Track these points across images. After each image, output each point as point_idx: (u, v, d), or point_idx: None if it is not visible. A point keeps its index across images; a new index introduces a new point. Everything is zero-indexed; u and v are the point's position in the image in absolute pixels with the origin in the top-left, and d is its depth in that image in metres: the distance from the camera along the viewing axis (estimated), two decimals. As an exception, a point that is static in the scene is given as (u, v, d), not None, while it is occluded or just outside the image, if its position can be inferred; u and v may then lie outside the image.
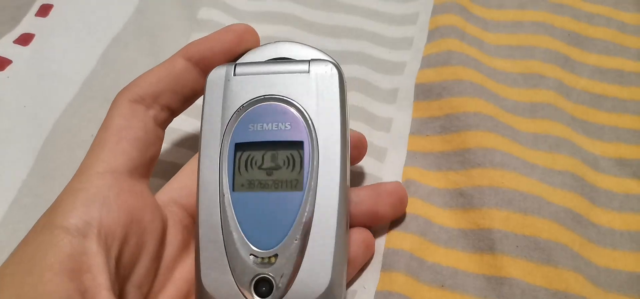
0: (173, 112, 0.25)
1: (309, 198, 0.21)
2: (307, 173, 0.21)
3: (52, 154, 0.30)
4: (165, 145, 0.28)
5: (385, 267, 0.26)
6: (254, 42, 0.25)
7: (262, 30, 0.36)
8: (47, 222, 0.19)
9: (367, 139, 0.27)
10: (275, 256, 0.20)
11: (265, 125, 0.22)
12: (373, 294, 0.25)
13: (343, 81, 0.22)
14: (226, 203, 0.21)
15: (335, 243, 0.20)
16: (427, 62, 0.34)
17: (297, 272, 0.20)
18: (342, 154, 0.21)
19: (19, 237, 0.20)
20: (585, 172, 0.29)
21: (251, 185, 0.21)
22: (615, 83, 0.32)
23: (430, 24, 0.36)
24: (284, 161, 0.21)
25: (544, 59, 0.33)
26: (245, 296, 0.20)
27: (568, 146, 0.29)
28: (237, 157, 0.22)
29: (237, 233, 0.21)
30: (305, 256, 0.20)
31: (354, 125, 0.31)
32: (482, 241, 0.26)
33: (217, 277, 0.20)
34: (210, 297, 0.20)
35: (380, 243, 0.26)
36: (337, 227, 0.20)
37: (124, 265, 0.20)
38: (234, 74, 0.23)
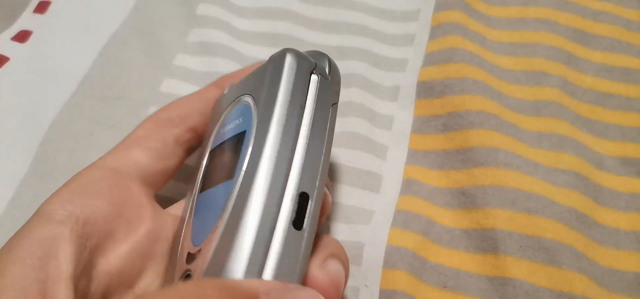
0: (199, 135, 0.25)
1: (239, 188, 0.18)
2: (241, 162, 0.19)
3: (50, 151, 0.30)
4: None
5: (388, 264, 0.25)
6: None
7: (262, 26, 0.36)
8: (36, 211, 0.19)
9: (368, 136, 0.26)
10: (199, 250, 0.19)
11: (228, 126, 0.21)
12: (377, 293, 0.25)
13: (296, 60, 0.20)
14: (191, 203, 0.21)
15: (256, 234, 0.17)
16: (430, 59, 0.33)
17: (222, 272, 0.17)
18: (277, 140, 0.18)
19: None
20: (590, 172, 0.28)
21: (204, 185, 0.21)
22: (620, 81, 0.32)
23: (433, 20, 0.35)
24: (229, 156, 0.20)
25: (548, 56, 0.33)
26: None
27: (572, 144, 0.29)
28: (208, 160, 0.22)
29: (186, 230, 0.21)
30: (232, 254, 0.17)
31: (355, 122, 0.30)
32: (485, 242, 0.26)
33: (173, 268, 0.21)
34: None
35: (382, 239, 0.26)
36: (260, 216, 0.17)
37: (106, 256, 0.20)
38: (225, 93, 0.24)
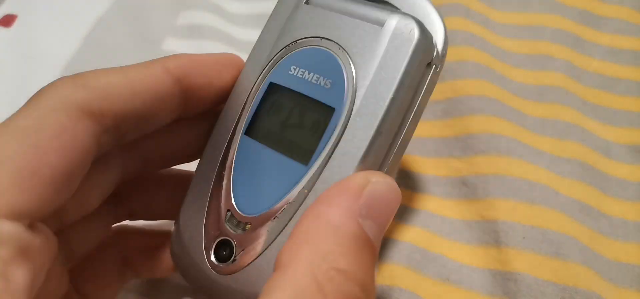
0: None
1: (310, 178, 0.17)
2: (322, 149, 0.17)
3: None
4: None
5: (384, 258, 0.24)
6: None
7: (253, 8, 0.35)
8: None
9: None
10: (248, 223, 0.17)
11: (307, 73, 0.18)
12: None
13: (423, 50, 0.17)
14: (232, 145, 0.18)
15: None
16: None
17: (260, 255, 0.17)
18: (374, 142, 0.16)
19: None
20: (596, 160, 0.27)
21: (264, 135, 0.18)
22: (629, 65, 0.31)
23: (434, 1, 0.34)
24: (310, 124, 0.17)
25: (554, 39, 0.32)
26: (206, 252, 0.18)
27: (578, 132, 0.28)
28: (266, 98, 0.18)
29: (227, 182, 0.18)
30: (276, 240, 0.17)
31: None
32: (487, 234, 0.24)
33: (192, 221, 0.18)
34: (178, 235, 0.19)
35: None
36: None
37: None
38: (306, 2, 0.19)
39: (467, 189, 0.26)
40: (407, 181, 0.27)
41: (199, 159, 0.20)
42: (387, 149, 0.17)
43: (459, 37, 0.31)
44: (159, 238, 0.22)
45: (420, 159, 0.28)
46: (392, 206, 0.15)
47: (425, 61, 0.17)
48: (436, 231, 0.25)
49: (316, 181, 0.17)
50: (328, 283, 0.13)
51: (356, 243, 0.14)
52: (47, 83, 0.16)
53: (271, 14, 0.20)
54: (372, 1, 0.19)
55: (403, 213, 0.26)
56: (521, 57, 0.31)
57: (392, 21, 0.17)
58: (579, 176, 0.26)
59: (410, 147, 0.28)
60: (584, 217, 0.25)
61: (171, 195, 0.21)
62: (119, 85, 0.16)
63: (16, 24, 0.34)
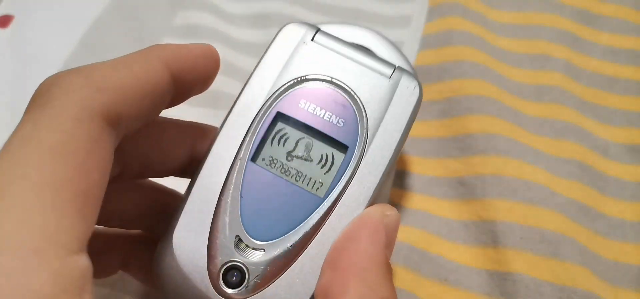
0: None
1: (325, 209, 0.18)
2: (336, 183, 0.18)
3: None
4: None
5: None
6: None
7: (251, 8, 0.34)
8: None
9: None
10: (261, 250, 0.17)
11: (318, 109, 0.19)
12: None
13: (419, 104, 0.20)
14: (237, 169, 0.18)
15: None
16: (427, 42, 0.32)
17: (275, 279, 0.17)
18: (380, 181, 0.18)
19: None
20: (594, 160, 0.27)
21: (273, 164, 0.18)
22: (628, 64, 0.30)
23: (430, 0, 0.34)
24: (320, 157, 0.19)
25: (552, 38, 0.32)
26: (210, 277, 0.17)
27: (576, 131, 0.28)
28: (272, 127, 0.19)
29: (232, 206, 0.18)
30: (291, 267, 0.17)
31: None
32: (485, 234, 0.24)
33: (191, 244, 0.17)
34: (174, 260, 0.17)
35: None
36: None
37: None
38: (312, 40, 0.20)
39: (464, 189, 0.26)
40: (405, 182, 0.27)
41: (188, 179, 0.19)
42: (386, 186, 0.19)
43: (457, 36, 0.31)
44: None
45: (418, 159, 0.28)
46: (397, 232, 0.17)
47: (417, 109, 0.20)
48: (434, 231, 0.25)
49: (330, 213, 0.18)
50: None
51: (387, 270, 0.16)
52: (47, 79, 0.14)
53: (272, 45, 0.20)
54: (363, 49, 0.21)
55: (401, 214, 0.26)
56: (519, 56, 0.31)
57: (397, 76, 0.19)
58: (577, 177, 0.26)
59: (408, 147, 0.28)
60: (582, 218, 0.25)
61: (140, 203, 0.20)
62: (131, 86, 0.15)
63: (13, 25, 0.34)
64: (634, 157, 0.27)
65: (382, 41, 0.23)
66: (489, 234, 0.24)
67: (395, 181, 0.27)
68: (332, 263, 0.16)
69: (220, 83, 0.30)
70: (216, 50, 0.19)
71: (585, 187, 0.26)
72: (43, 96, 0.14)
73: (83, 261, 0.13)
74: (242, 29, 0.33)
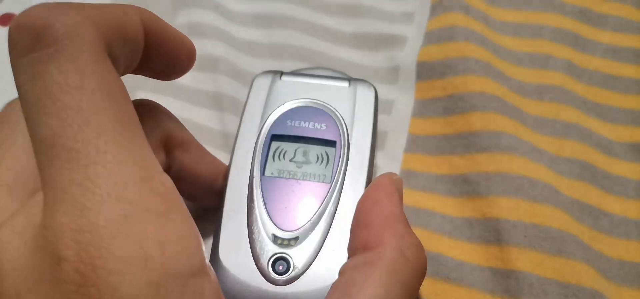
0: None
1: (335, 191, 0.22)
2: (336, 170, 0.22)
3: None
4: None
5: None
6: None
7: (253, 6, 0.34)
8: None
9: None
10: (296, 238, 0.21)
11: (302, 123, 0.24)
12: None
13: (377, 100, 0.25)
14: (254, 185, 0.22)
15: None
16: (430, 38, 0.32)
17: (316, 257, 0.21)
18: (370, 160, 0.23)
19: None
20: (597, 159, 0.27)
21: (281, 172, 0.23)
22: (630, 63, 0.31)
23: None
24: (316, 157, 0.23)
25: (553, 38, 0.32)
26: (261, 272, 0.21)
27: (577, 130, 0.28)
28: (271, 146, 0.23)
29: (261, 213, 0.21)
30: (325, 243, 0.21)
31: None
32: (489, 232, 0.24)
33: (236, 252, 0.21)
34: (225, 271, 0.21)
35: None
36: None
37: None
38: (280, 79, 0.25)
39: (468, 186, 0.26)
40: (409, 180, 0.27)
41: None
42: (373, 164, 0.24)
43: (460, 33, 0.31)
44: None
45: (422, 157, 0.28)
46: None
47: (377, 104, 0.25)
48: (437, 229, 0.25)
49: (340, 194, 0.22)
50: (407, 251, 0.18)
51: (407, 222, 0.19)
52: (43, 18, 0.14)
53: (251, 89, 0.25)
54: (321, 73, 0.26)
55: (405, 212, 0.26)
56: (521, 55, 0.31)
57: (354, 83, 0.25)
58: (579, 176, 0.26)
59: (412, 145, 0.28)
60: (584, 217, 0.25)
61: None
62: (117, 28, 0.15)
63: (14, 23, 0.34)
64: (637, 155, 0.27)
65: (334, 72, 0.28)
66: (492, 232, 0.24)
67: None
68: (363, 223, 0.19)
69: (224, 85, 0.30)
70: (194, 48, 0.19)
71: (587, 186, 0.26)
72: (53, 39, 0.13)
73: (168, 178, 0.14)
74: (244, 28, 0.33)
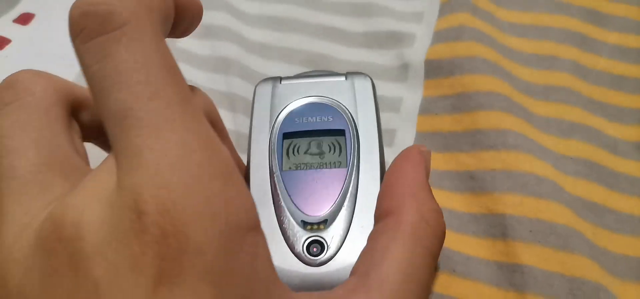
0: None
1: (353, 173, 0.23)
2: (350, 155, 0.24)
3: None
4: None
5: None
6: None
7: (267, 9, 0.35)
8: None
9: None
10: (325, 221, 0.22)
11: (310, 118, 0.25)
12: None
13: (374, 88, 0.26)
14: (276, 180, 0.23)
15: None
16: (438, 37, 0.32)
17: (347, 234, 0.22)
18: (379, 142, 0.24)
19: None
20: (602, 157, 0.27)
21: (298, 165, 0.24)
22: (636, 63, 0.31)
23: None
24: (328, 147, 0.24)
25: (560, 39, 0.32)
26: (298, 257, 0.22)
27: (583, 130, 0.28)
28: (285, 144, 0.25)
29: (288, 204, 0.23)
30: (353, 220, 0.22)
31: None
32: (495, 227, 0.25)
33: (270, 243, 0.22)
34: None
35: None
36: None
37: None
38: (280, 83, 0.26)
39: (475, 183, 0.26)
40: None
41: None
42: (382, 145, 0.25)
43: (468, 32, 0.31)
44: None
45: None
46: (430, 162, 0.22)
47: (375, 91, 0.26)
48: (444, 223, 0.26)
49: (358, 174, 0.23)
50: (428, 215, 0.18)
51: (430, 190, 0.20)
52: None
53: (255, 97, 0.26)
54: (318, 72, 0.27)
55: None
56: (528, 55, 0.32)
57: (351, 76, 0.26)
58: (584, 175, 0.26)
59: (420, 141, 0.28)
60: (587, 214, 0.25)
61: None
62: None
63: (33, 22, 0.35)
64: (643, 154, 0.28)
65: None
66: (498, 227, 0.25)
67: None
68: (388, 191, 0.20)
69: (236, 86, 0.31)
70: (201, 5, 0.21)
71: (593, 184, 0.26)
72: (118, 23, 0.15)
73: None
74: (257, 29, 0.34)
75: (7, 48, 0.33)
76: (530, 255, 0.24)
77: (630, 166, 0.27)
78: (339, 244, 0.22)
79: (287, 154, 0.24)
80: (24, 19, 0.35)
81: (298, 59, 0.33)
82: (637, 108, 0.29)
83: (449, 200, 0.26)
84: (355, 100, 0.25)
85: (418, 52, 0.32)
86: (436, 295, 0.24)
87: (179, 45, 0.33)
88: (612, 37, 0.32)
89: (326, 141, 0.25)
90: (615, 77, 0.30)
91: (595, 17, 0.33)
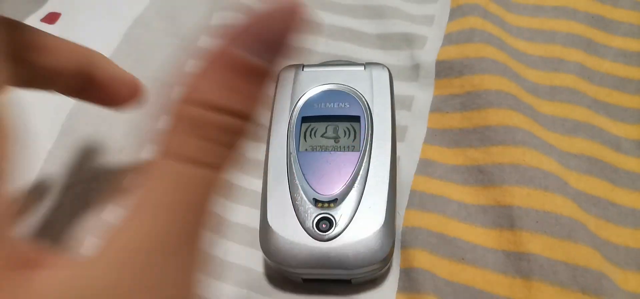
0: None
1: (365, 157, 0.25)
2: (363, 140, 0.25)
3: (76, 126, 0.31)
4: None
5: (405, 245, 0.26)
6: None
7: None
8: None
9: None
10: (335, 200, 0.24)
11: (328, 104, 0.27)
12: (398, 272, 0.25)
13: (392, 79, 0.28)
14: (292, 160, 0.25)
15: (388, 192, 0.24)
16: (449, 39, 0.33)
17: (355, 214, 0.23)
18: (392, 129, 0.25)
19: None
20: (606, 155, 0.28)
21: (314, 147, 0.25)
22: (639, 66, 0.32)
23: (452, 2, 0.35)
24: (343, 132, 0.26)
25: (566, 43, 0.33)
26: (307, 232, 0.23)
27: (587, 129, 0.29)
28: (303, 127, 0.26)
29: (301, 182, 0.24)
30: (362, 201, 0.24)
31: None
32: (502, 218, 0.26)
33: (283, 218, 0.24)
34: (275, 235, 0.24)
35: (398, 222, 0.27)
36: (389, 181, 0.24)
37: None
38: (302, 70, 0.28)
39: (483, 176, 0.27)
40: (427, 169, 0.28)
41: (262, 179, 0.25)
42: (395, 135, 0.26)
43: (478, 35, 0.32)
44: None
45: (439, 148, 0.29)
46: None
47: (392, 81, 0.28)
48: (453, 215, 0.27)
49: (370, 159, 0.25)
50: None
51: None
52: None
53: (278, 82, 0.28)
54: (338, 61, 0.30)
55: (422, 199, 0.27)
56: (535, 58, 0.33)
57: (369, 66, 0.28)
58: (588, 171, 0.28)
59: (430, 137, 0.30)
60: (591, 207, 0.26)
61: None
62: None
63: (60, 21, 0.36)
64: (646, 152, 0.29)
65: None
66: (505, 218, 0.26)
67: (418, 168, 0.29)
68: None
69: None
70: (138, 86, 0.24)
71: (596, 180, 0.27)
72: None
73: None
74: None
75: (36, 45, 0.35)
76: (536, 244, 0.25)
77: (633, 163, 0.28)
78: (347, 222, 0.23)
79: (304, 136, 0.26)
80: (51, 18, 0.37)
81: (314, 59, 0.34)
82: (639, 109, 0.30)
83: (458, 192, 0.27)
84: (372, 89, 0.27)
85: (429, 53, 0.33)
86: (446, 281, 0.25)
87: (199, 46, 0.35)
88: (617, 42, 0.33)
89: (342, 125, 0.26)
90: (619, 79, 0.32)
91: (600, 22, 0.34)
